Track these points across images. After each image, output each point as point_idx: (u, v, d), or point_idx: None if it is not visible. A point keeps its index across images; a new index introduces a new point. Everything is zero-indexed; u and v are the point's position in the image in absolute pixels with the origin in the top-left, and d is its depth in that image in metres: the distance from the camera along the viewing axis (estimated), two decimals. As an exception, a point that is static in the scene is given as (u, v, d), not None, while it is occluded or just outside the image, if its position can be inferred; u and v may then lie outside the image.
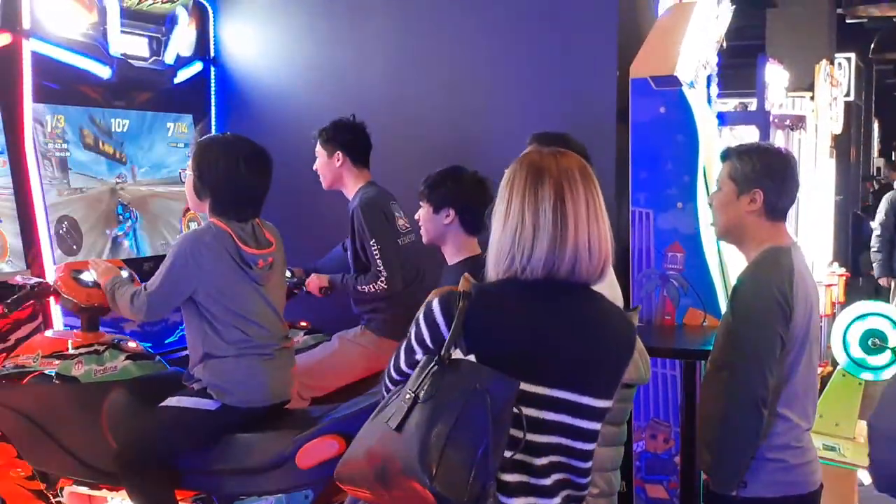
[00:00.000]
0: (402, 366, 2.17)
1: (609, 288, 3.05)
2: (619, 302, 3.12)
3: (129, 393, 3.35)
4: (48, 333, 3.67)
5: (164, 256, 3.30)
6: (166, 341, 4.17)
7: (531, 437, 2.06)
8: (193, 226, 4.50)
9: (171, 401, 3.24)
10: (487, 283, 2.15)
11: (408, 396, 2.01)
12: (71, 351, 3.44)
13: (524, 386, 2.03)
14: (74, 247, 4.03)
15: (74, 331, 3.62)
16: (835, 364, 4.49)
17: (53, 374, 3.38)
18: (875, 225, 7.50)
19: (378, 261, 3.95)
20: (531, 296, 2.10)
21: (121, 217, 4.30)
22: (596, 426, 2.14)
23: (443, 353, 2.03)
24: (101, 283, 3.40)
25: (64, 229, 4.01)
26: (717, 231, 3.01)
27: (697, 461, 2.95)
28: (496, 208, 2.15)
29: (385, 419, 2.04)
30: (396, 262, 3.98)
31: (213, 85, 4.96)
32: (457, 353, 2.05)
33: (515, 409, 2.00)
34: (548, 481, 2.10)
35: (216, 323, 3.20)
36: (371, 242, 3.96)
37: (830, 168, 8.29)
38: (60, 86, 4.08)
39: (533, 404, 2.06)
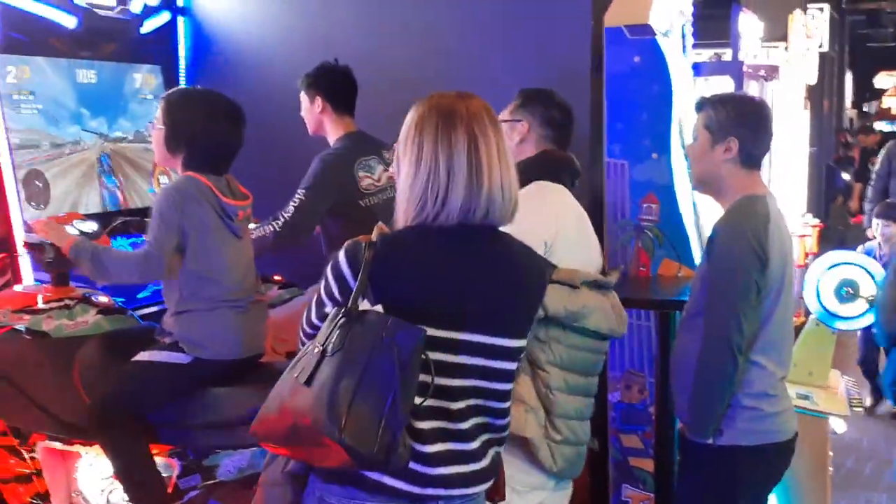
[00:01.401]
0: (314, 319, 2.17)
1: (588, 247, 3.07)
2: (599, 259, 3.12)
3: (100, 348, 3.32)
4: (17, 288, 3.63)
5: (133, 211, 3.25)
6: (138, 296, 4.13)
7: (447, 381, 2.06)
8: (164, 180, 4.44)
9: (143, 355, 3.21)
10: (394, 232, 2.13)
11: (316, 350, 2.01)
12: (41, 306, 3.40)
13: (435, 332, 2.03)
14: (42, 201, 3.96)
15: (44, 285, 3.58)
16: (808, 313, 4.51)
17: (23, 329, 3.34)
18: (872, 175, 7.58)
19: (291, 207, 3.77)
20: (440, 242, 2.09)
21: (88, 170, 4.23)
22: (511, 366, 2.16)
23: (349, 304, 2.02)
24: (63, 248, 3.22)
25: (31, 183, 3.93)
26: (693, 181, 3.01)
27: (675, 411, 2.96)
28: (402, 154, 2.12)
29: (295, 374, 2.03)
30: (305, 224, 3.81)
31: (181, 36, 4.87)
32: (365, 304, 2.04)
33: (423, 356, 2.00)
34: (465, 425, 2.11)
35: (191, 276, 3.16)
36: (300, 191, 3.80)
37: (804, 119, 8.31)
38: (26, 36, 3.98)
39: (445, 349, 2.06)
